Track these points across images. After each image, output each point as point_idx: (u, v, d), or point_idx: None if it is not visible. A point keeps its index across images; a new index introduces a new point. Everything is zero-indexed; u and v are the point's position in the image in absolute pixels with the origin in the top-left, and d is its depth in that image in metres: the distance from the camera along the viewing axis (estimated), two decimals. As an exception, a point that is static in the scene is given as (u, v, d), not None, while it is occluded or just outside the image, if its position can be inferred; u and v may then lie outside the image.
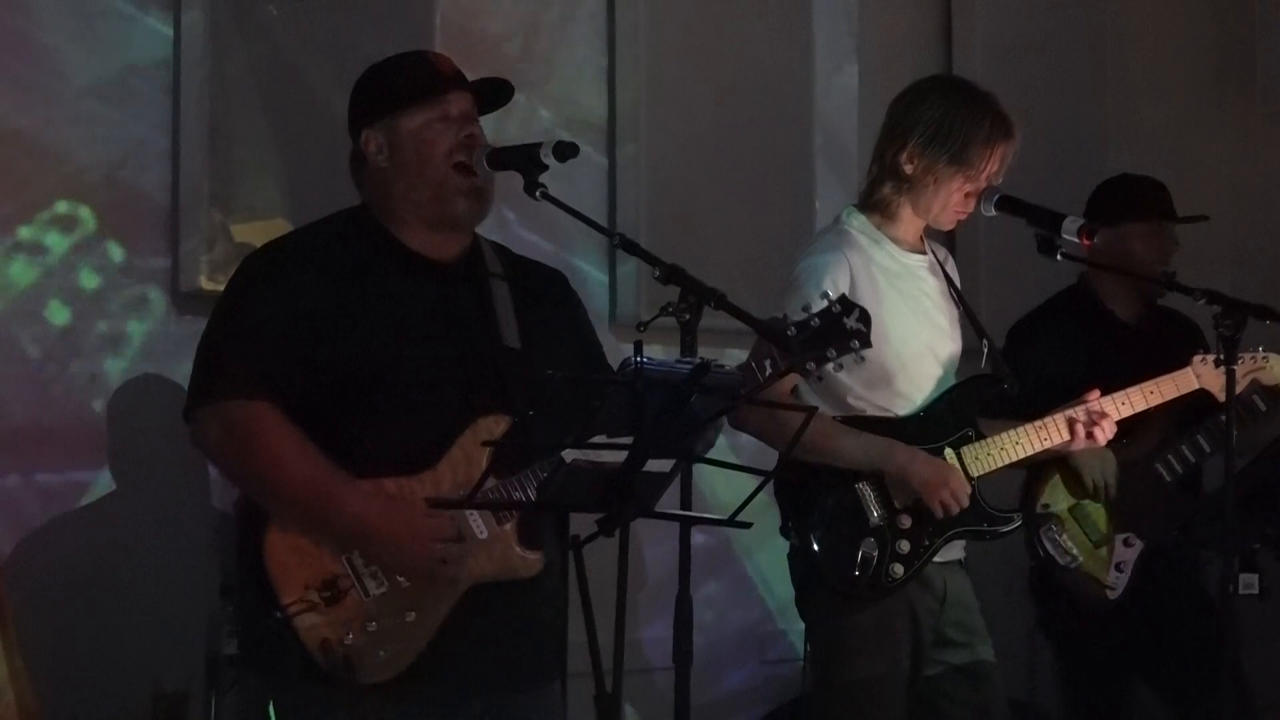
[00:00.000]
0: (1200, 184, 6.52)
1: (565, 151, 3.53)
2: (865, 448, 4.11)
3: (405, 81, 3.64)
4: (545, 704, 3.57)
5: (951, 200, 4.17)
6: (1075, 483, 4.94)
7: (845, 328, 3.38)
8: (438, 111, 3.60)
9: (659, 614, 4.15)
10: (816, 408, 3.47)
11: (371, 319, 3.48)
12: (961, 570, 4.29)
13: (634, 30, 5.45)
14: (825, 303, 3.40)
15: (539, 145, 3.54)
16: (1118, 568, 4.90)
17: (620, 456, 3.13)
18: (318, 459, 3.38)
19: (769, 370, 3.39)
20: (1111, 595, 4.90)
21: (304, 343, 3.42)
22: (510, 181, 3.63)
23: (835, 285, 3.94)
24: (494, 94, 3.74)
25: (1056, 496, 4.96)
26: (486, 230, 3.79)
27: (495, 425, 3.48)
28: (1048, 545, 4.92)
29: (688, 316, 3.33)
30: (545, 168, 3.54)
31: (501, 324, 3.58)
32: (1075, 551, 4.93)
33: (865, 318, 3.40)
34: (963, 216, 4.23)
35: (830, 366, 3.42)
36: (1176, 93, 6.78)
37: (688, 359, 3.25)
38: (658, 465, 3.18)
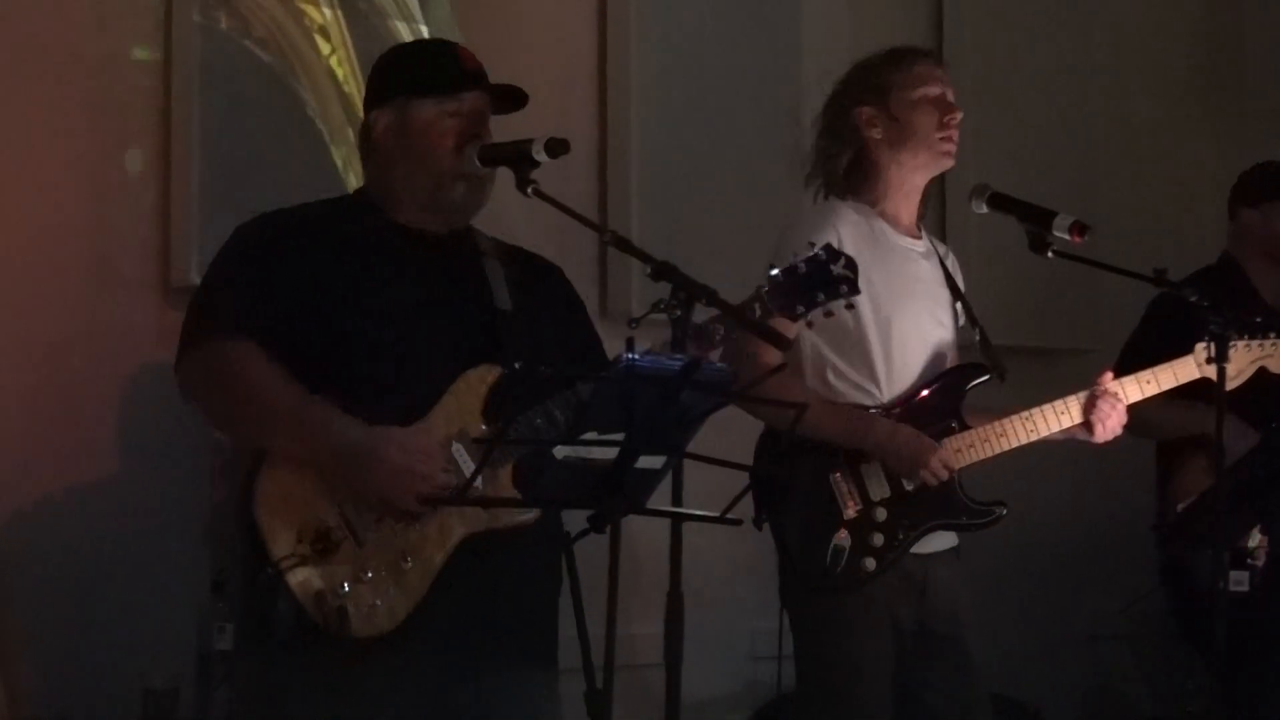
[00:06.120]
0: (1188, 181, 6.53)
1: (557, 148, 3.53)
2: (847, 424, 4.08)
3: (426, 69, 3.65)
4: (548, 690, 3.57)
5: (929, 125, 4.13)
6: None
7: (832, 274, 3.40)
8: (452, 106, 3.61)
9: (650, 610, 4.14)
10: (807, 404, 3.46)
11: (359, 281, 3.49)
12: (952, 560, 4.25)
13: (625, 27, 5.45)
14: (811, 250, 3.42)
15: (530, 141, 3.55)
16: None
17: (612, 453, 3.13)
18: (300, 388, 3.34)
19: (757, 313, 3.39)
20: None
21: (290, 298, 3.42)
22: (500, 177, 3.63)
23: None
24: (509, 99, 3.74)
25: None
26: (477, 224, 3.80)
27: (486, 375, 3.48)
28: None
29: (679, 313, 3.33)
30: (537, 164, 3.54)
31: (493, 288, 3.59)
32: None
33: (852, 264, 3.42)
34: (951, 144, 4.16)
35: (820, 313, 3.43)
36: (1165, 89, 6.78)
37: (679, 355, 3.26)
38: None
